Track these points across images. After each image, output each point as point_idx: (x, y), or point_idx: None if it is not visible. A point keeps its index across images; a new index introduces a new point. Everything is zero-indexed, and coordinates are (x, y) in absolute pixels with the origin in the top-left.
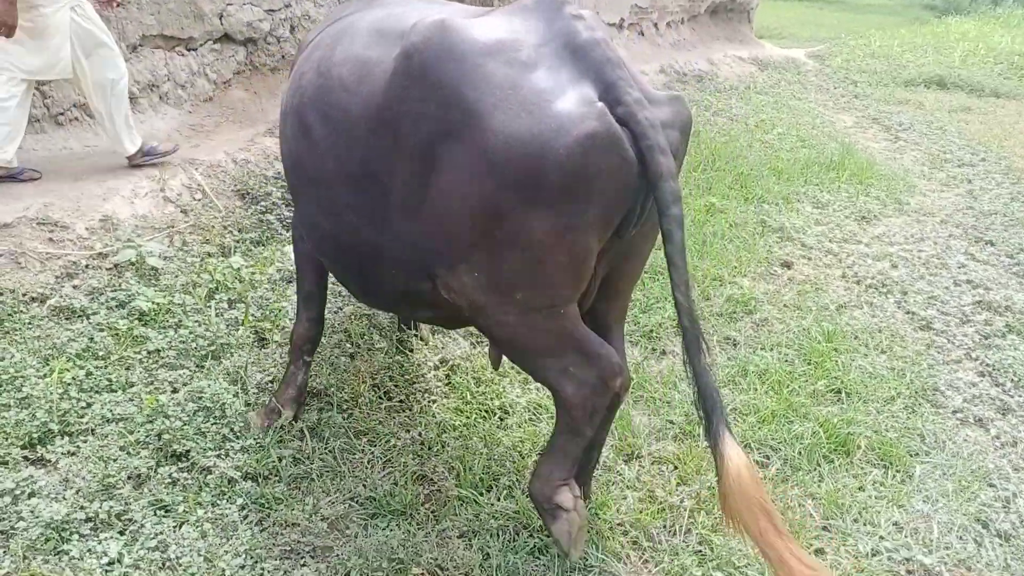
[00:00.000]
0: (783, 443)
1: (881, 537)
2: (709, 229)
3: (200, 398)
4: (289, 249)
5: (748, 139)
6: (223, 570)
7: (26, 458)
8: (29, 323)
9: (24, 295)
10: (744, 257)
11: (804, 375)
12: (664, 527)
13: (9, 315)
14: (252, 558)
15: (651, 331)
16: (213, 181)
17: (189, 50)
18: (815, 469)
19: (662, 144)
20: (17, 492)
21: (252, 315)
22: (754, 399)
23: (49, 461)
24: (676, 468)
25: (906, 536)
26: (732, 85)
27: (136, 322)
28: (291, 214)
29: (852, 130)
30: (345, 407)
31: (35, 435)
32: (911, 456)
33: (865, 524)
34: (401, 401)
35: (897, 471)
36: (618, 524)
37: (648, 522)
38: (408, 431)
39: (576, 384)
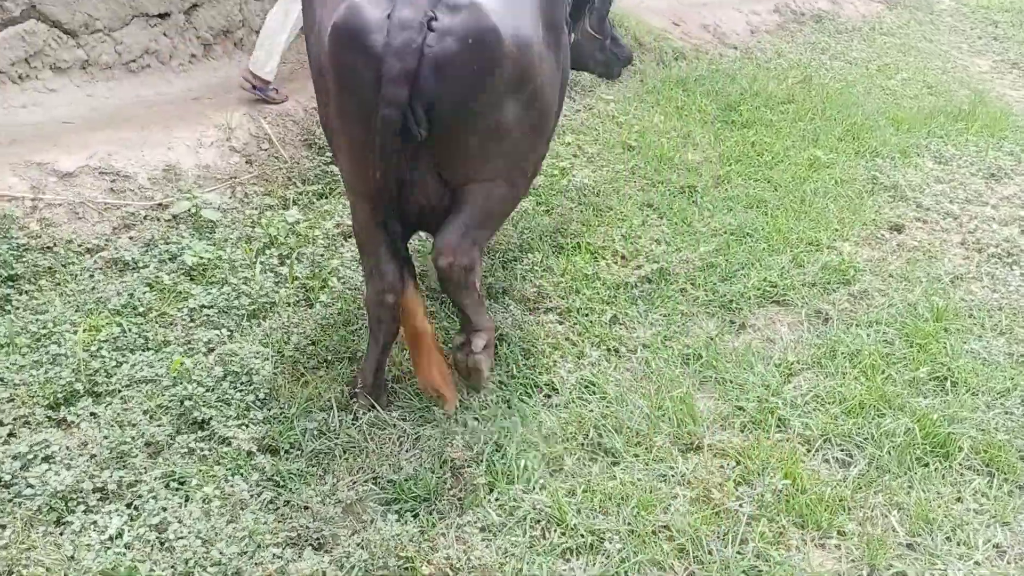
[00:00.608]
0: (870, 440)
1: (977, 562)
2: (810, 187)
3: (231, 362)
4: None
5: (867, 85)
6: (219, 557)
7: (49, 418)
8: (79, 275)
9: (80, 246)
10: (848, 219)
11: (904, 359)
12: (717, 535)
13: (63, 266)
14: (252, 544)
15: (731, 301)
16: (281, 130)
17: None
18: (906, 473)
19: (396, 45)
20: (30, 456)
21: (299, 273)
22: (842, 385)
23: (70, 423)
24: (739, 464)
25: (1008, 563)
26: (855, 26)
27: (183, 277)
28: None
29: (988, 75)
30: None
31: (60, 395)
32: (1022, 465)
33: (959, 544)
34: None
35: (1005, 480)
36: (663, 527)
37: (699, 527)
38: (443, 407)
39: (368, 288)
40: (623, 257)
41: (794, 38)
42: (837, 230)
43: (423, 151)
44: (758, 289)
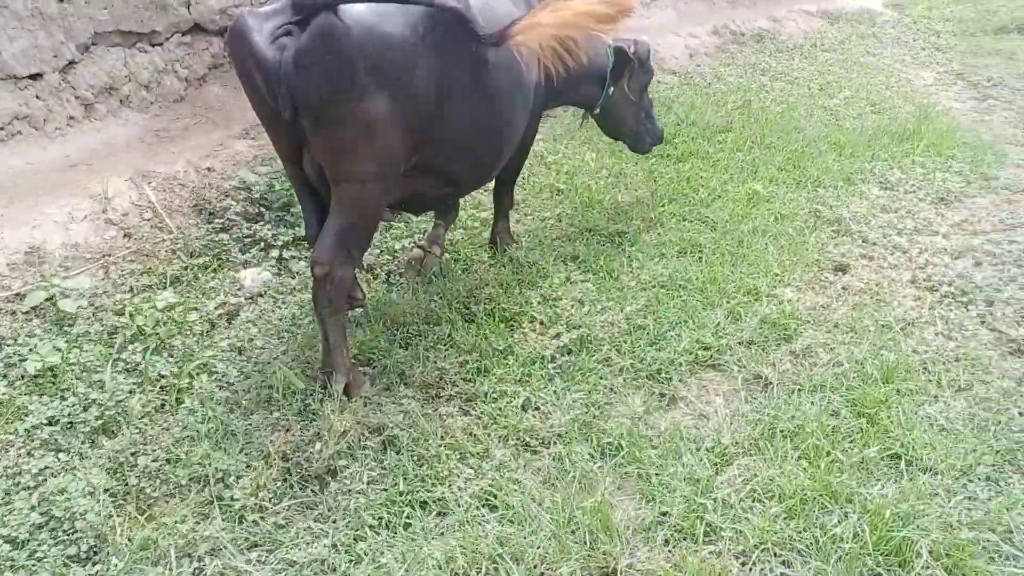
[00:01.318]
0: (814, 548)
1: None
2: (749, 225)
3: (55, 503)
4: (242, 275)
5: (809, 106)
6: None
7: None
8: None
9: None
10: (789, 261)
11: (852, 434)
12: None
13: None
14: None
15: (659, 370)
16: (167, 196)
17: (153, 45)
18: None
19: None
20: None
21: (163, 370)
22: (782, 474)
23: None
24: None
25: None
26: (797, 43)
27: (27, 386)
28: (250, 232)
29: (933, 88)
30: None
31: None
32: (992, 569)
33: None
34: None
35: None
36: None
37: None
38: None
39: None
40: (541, 323)
41: (734, 60)
42: (777, 274)
43: (307, 140)
44: (690, 353)
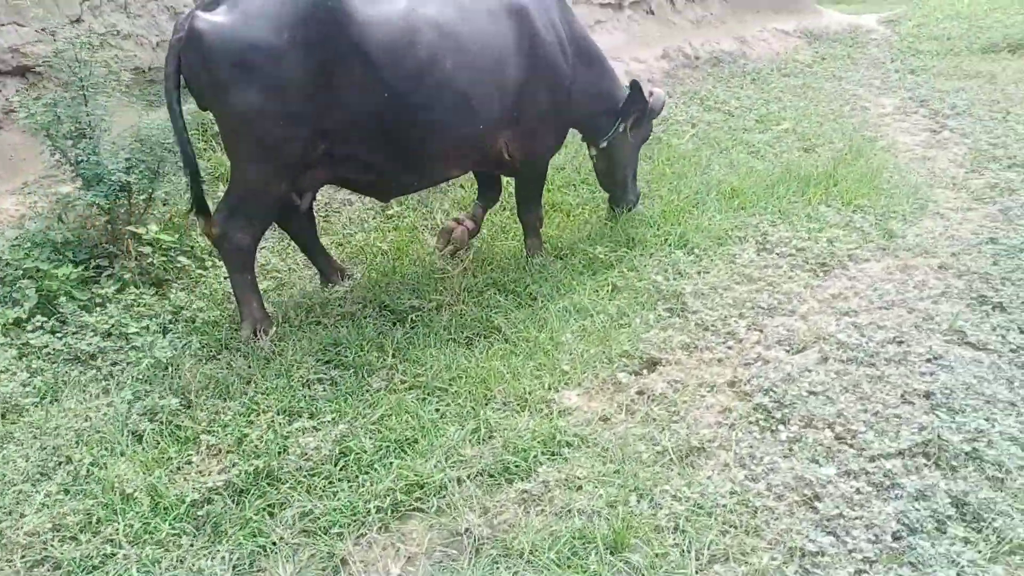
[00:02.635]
0: None
1: None
2: (565, 302)
3: None
4: None
5: (731, 142)
6: None
7: None
8: None
9: None
10: (591, 354)
11: None
12: None
13: None
14: None
15: (334, 522)
16: None
17: None
18: None
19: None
20: None
21: None
22: None
23: None
24: None
25: None
26: (759, 67)
27: None
28: None
29: (888, 118)
30: None
31: None
32: None
33: None
34: None
35: None
36: None
37: None
38: None
39: None
40: (211, 449)
41: (677, 87)
42: (566, 372)
43: None
44: (390, 494)
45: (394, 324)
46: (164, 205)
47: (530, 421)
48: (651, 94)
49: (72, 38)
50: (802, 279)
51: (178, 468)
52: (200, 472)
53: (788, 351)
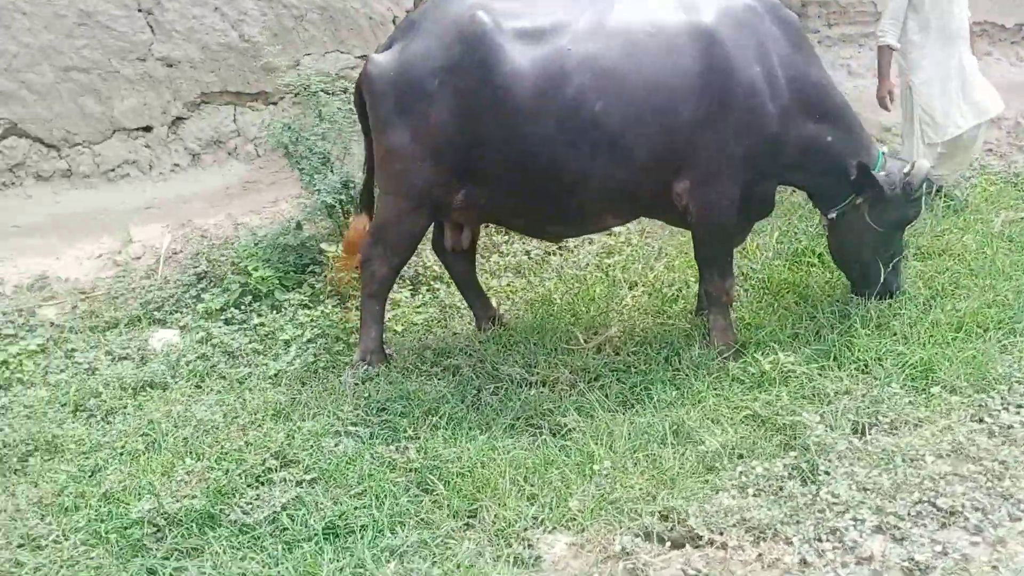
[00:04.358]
0: None
1: None
2: (668, 415)
3: None
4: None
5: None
6: None
7: None
8: None
9: None
10: (613, 496)
11: None
12: None
13: None
14: None
15: None
16: (190, 244)
17: (270, 103)
18: None
19: None
20: None
21: None
22: None
23: None
24: None
25: None
26: None
27: None
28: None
29: None
30: None
31: None
32: None
33: None
34: None
35: None
36: None
37: None
38: None
39: None
40: None
41: None
42: (570, 511)
43: None
44: None
45: (477, 392)
46: None
47: (490, 565)
48: (911, 166)
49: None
50: None
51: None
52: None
53: None
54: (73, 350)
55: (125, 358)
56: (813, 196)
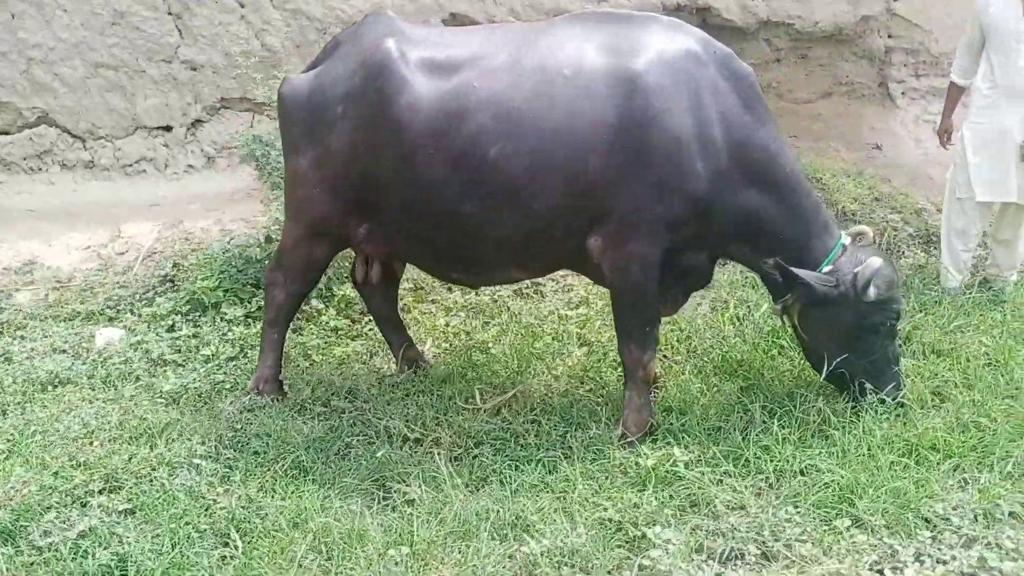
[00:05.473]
0: None
1: None
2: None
3: None
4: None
5: None
6: None
7: None
8: None
9: None
10: None
11: None
12: None
13: None
14: None
15: None
16: (177, 246)
17: None
18: None
19: None
20: None
21: None
22: None
23: None
24: None
25: None
26: None
27: None
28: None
29: None
30: None
31: None
32: None
33: None
34: None
35: None
36: None
37: None
38: None
39: None
40: None
41: None
42: None
43: None
44: None
45: (347, 444)
46: None
47: None
48: (866, 265)
49: None
50: None
51: None
52: None
53: None
54: (23, 337)
55: (63, 352)
56: (763, 279)
